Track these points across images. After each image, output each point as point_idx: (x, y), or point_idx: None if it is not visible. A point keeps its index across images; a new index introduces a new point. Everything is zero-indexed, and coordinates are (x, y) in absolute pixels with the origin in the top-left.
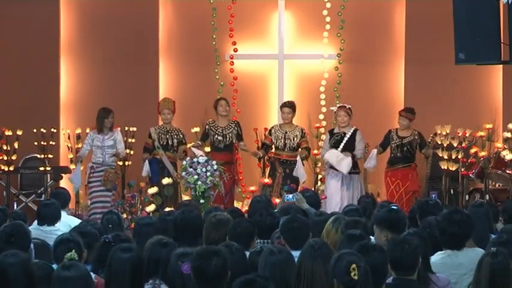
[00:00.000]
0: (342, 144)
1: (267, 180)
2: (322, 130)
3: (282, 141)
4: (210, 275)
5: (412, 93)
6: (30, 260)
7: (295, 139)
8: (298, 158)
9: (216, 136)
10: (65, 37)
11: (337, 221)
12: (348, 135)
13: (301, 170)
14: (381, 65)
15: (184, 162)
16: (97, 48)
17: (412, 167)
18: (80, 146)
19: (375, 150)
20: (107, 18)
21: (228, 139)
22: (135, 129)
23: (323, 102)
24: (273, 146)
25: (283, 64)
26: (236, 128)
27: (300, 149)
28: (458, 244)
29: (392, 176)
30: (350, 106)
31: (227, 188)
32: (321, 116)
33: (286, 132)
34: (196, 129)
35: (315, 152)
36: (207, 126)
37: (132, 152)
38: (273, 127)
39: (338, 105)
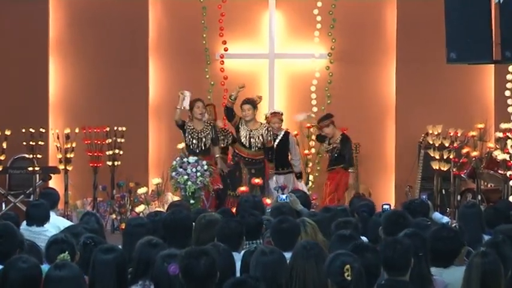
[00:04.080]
0: (275, 145)
1: (257, 180)
2: (313, 130)
3: (248, 139)
4: (198, 274)
5: (404, 92)
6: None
7: (260, 138)
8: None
9: (192, 140)
10: (54, 36)
11: (303, 223)
12: (279, 137)
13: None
14: (372, 64)
15: (174, 162)
16: (86, 47)
17: (336, 170)
18: (69, 146)
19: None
20: (96, 17)
21: (203, 144)
22: (124, 129)
23: (314, 102)
24: (238, 142)
25: (274, 63)
26: (212, 131)
27: (269, 164)
28: (445, 261)
29: (328, 177)
30: (282, 112)
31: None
32: (312, 116)
33: (251, 131)
34: None
35: (306, 152)
36: (186, 125)
37: (121, 152)
38: (241, 119)
39: (271, 112)
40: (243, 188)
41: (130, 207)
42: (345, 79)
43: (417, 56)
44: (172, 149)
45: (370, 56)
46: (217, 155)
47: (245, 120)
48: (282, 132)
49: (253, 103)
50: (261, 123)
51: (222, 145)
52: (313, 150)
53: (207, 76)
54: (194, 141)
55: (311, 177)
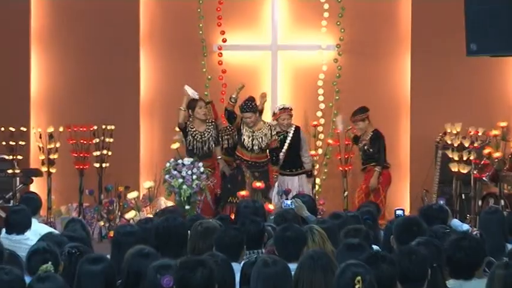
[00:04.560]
0: (287, 143)
1: (259, 184)
2: (320, 129)
3: (250, 141)
4: (195, 287)
5: (419, 87)
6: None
7: (263, 139)
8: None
9: (195, 142)
10: (36, 28)
11: (311, 231)
12: (290, 134)
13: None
14: (384, 56)
15: (167, 164)
16: (71, 39)
17: (368, 169)
18: (52, 146)
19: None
20: (82, 6)
21: (207, 146)
22: (113, 127)
23: (321, 98)
24: (240, 145)
25: (277, 56)
26: (214, 131)
27: (272, 166)
28: (465, 273)
29: (363, 179)
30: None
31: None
32: (319, 113)
33: (253, 132)
34: None
35: (312, 152)
36: (187, 127)
37: (109, 153)
38: (242, 119)
39: (280, 108)
40: (243, 193)
41: (119, 214)
42: (355, 73)
43: (434, 48)
44: (166, 149)
45: (383, 47)
46: (219, 156)
47: (247, 125)
48: (293, 128)
49: (254, 110)
50: (264, 123)
51: (226, 145)
52: (320, 151)
53: (204, 70)
54: (198, 144)
55: (318, 180)
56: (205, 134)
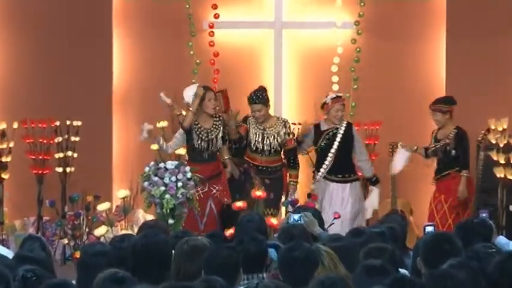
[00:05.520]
0: (336, 143)
1: (259, 192)
2: None
3: (260, 140)
4: None
5: (457, 75)
6: None
7: (276, 138)
8: (290, 191)
9: (200, 142)
10: None
11: (318, 252)
12: (341, 131)
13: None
14: (413, 38)
15: (146, 169)
16: (28, 17)
17: (452, 175)
18: (4, 146)
19: (403, 150)
20: None
21: (213, 146)
22: (79, 123)
23: (335, 87)
24: (248, 148)
25: (282, 35)
26: (221, 128)
27: (291, 173)
28: None
29: (436, 190)
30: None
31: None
32: None
33: (264, 130)
34: (163, 123)
35: None
36: (192, 125)
37: (75, 155)
38: (248, 118)
39: (332, 97)
40: (239, 204)
41: (87, 230)
42: (377, 56)
43: (474, 29)
44: (145, 150)
45: (411, 26)
46: (226, 157)
47: (257, 120)
48: (344, 124)
49: (265, 102)
50: (278, 118)
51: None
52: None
53: (191, 52)
54: (203, 144)
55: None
56: (212, 132)
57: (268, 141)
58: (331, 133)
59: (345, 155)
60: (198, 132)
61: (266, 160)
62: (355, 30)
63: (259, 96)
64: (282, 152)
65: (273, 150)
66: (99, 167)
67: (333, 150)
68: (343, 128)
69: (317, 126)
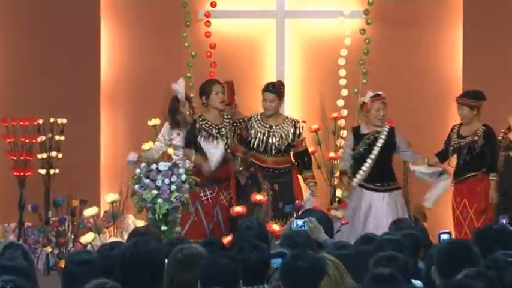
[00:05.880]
0: (377, 148)
1: (259, 196)
2: (342, 122)
3: (264, 139)
4: None
5: (474, 68)
6: None
7: (284, 137)
8: (308, 196)
9: (211, 139)
10: None
11: (323, 261)
12: (383, 135)
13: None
14: (428, 28)
15: (137, 170)
16: (9, 8)
17: (479, 177)
18: None
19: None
20: None
21: (225, 145)
22: (64, 121)
23: (343, 82)
24: (253, 146)
25: (284, 25)
26: (231, 125)
27: (305, 174)
28: None
29: (456, 193)
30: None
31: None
32: (340, 102)
33: (271, 127)
34: (156, 121)
35: (331, 155)
36: (198, 123)
37: (60, 155)
38: (252, 118)
39: (371, 95)
40: (238, 209)
41: (72, 237)
42: (388, 48)
43: (494, 19)
44: (136, 150)
45: (425, 15)
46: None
47: (265, 113)
48: (387, 129)
49: (279, 94)
50: (286, 118)
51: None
52: (341, 153)
53: (186, 44)
54: (214, 140)
55: (338, 192)
56: (223, 129)
57: (273, 140)
58: (371, 137)
59: (384, 162)
60: (206, 129)
61: (273, 161)
62: (364, 20)
63: (275, 86)
64: (290, 154)
65: (280, 150)
66: (86, 169)
67: (372, 156)
68: (385, 133)
69: (357, 129)
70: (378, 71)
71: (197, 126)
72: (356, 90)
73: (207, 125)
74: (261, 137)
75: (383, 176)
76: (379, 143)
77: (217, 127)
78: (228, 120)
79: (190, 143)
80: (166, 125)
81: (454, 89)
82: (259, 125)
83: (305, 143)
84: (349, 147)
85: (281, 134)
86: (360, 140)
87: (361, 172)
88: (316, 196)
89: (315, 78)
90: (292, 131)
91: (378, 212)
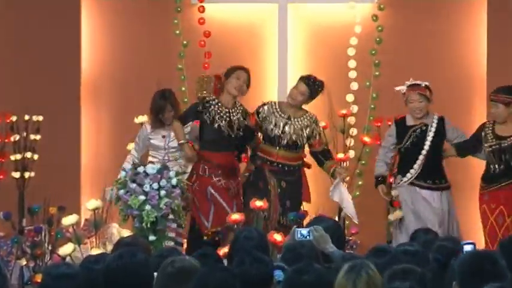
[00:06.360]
0: (428, 142)
1: (260, 203)
2: (352, 120)
3: (280, 130)
4: None
5: (499, 59)
6: None
7: (302, 131)
8: (336, 181)
9: (221, 121)
10: None
11: (355, 270)
12: (433, 127)
13: (347, 202)
14: (447, 14)
15: (122, 173)
16: None
17: None
18: None
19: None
20: None
21: (235, 130)
22: (40, 118)
23: (353, 74)
24: (265, 138)
25: (287, 11)
26: (243, 114)
27: (329, 163)
28: None
29: (490, 200)
30: (427, 84)
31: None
32: (350, 97)
33: (289, 118)
34: (143, 118)
35: (340, 156)
36: (206, 102)
37: (35, 157)
38: (265, 105)
39: (408, 84)
40: (235, 216)
41: (50, 248)
42: (403, 37)
43: None
44: (119, 151)
45: (444, 0)
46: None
47: (289, 101)
48: (436, 119)
49: (314, 91)
50: (307, 112)
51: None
52: (351, 154)
53: (177, 32)
54: (225, 124)
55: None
56: (234, 113)
57: (290, 130)
58: (419, 130)
59: (434, 157)
60: (217, 110)
61: (283, 155)
62: (377, 5)
63: (314, 83)
64: (302, 152)
65: (292, 143)
66: (65, 172)
67: (424, 152)
68: (434, 125)
69: (401, 121)
70: (391, 61)
71: (206, 105)
72: (368, 83)
73: (216, 104)
74: (279, 124)
75: (433, 173)
76: (430, 136)
77: (228, 110)
78: (241, 108)
79: (188, 118)
80: (145, 127)
81: (477, 83)
82: (275, 114)
83: (324, 145)
84: (390, 143)
85: (300, 126)
86: (405, 133)
87: (412, 169)
88: (346, 182)
89: (321, 71)
90: (311, 128)
91: (429, 211)
